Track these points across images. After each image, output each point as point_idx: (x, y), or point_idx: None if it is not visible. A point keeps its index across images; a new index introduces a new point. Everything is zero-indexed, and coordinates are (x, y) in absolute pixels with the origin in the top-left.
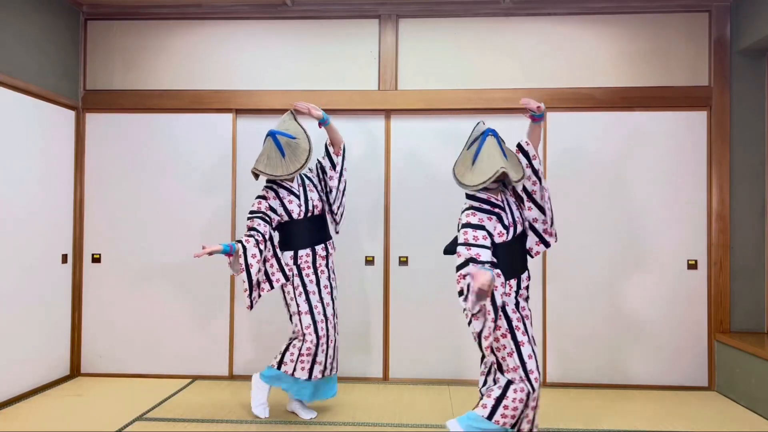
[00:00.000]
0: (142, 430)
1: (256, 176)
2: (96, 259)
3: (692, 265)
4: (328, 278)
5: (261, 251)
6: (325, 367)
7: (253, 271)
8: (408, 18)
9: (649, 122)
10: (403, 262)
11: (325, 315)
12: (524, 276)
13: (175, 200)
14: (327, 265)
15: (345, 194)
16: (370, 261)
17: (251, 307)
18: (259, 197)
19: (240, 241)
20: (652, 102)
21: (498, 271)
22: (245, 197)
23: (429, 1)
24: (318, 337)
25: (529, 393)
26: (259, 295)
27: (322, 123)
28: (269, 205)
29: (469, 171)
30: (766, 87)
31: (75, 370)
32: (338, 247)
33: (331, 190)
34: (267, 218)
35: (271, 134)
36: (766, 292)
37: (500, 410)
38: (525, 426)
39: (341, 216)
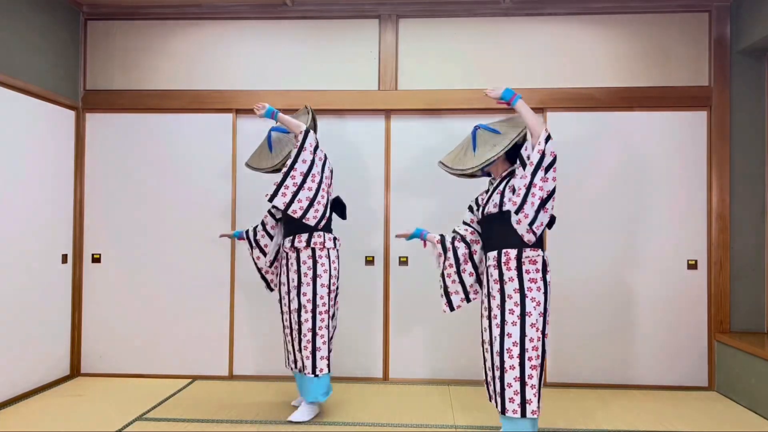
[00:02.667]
0: (142, 430)
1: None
2: (96, 259)
3: (692, 265)
4: (297, 272)
5: (271, 236)
6: (295, 360)
7: (257, 254)
8: (408, 18)
9: (649, 122)
10: (403, 262)
11: (289, 308)
12: (491, 254)
13: (175, 200)
14: (297, 259)
15: (305, 188)
16: (370, 261)
17: (269, 288)
18: None
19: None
20: (652, 102)
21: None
22: (245, 198)
23: (429, 1)
24: (284, 328)
25: (484, 361)
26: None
27: (272, 118)
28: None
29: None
30: (766, 87)
31: (75, 370)
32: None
33: None
34: (271, 211)
35: (270, 130)
36: (766, 292)
37: None
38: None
39: (311, 212)
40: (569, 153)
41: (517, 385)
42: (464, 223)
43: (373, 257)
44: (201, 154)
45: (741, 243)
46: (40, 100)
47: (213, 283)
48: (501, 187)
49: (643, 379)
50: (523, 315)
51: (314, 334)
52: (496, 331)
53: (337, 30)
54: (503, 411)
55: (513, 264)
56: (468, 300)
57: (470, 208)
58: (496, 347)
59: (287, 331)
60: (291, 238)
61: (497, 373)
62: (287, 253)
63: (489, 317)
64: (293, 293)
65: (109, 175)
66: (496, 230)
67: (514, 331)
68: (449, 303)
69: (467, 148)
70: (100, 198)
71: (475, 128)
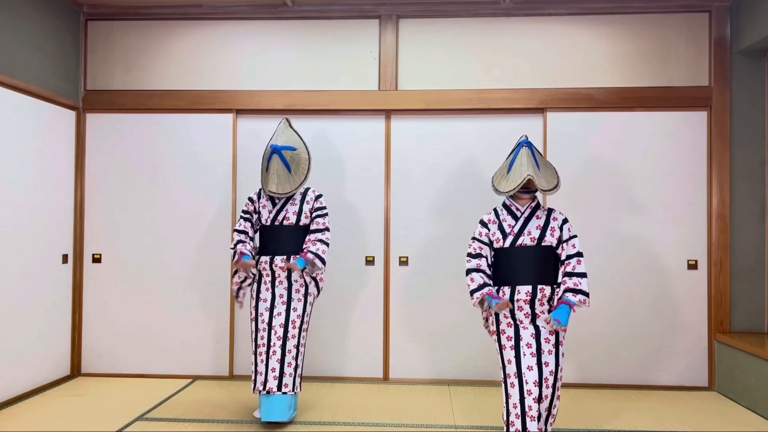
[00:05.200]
0: (142, 430)
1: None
2: (96, 259)
3: (692, 265)
4: (287, 288)
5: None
6: (266, 380)
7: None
8: (408, 18)
9: (649, 122)
10: (403, 262)
11: (269, 325)
12: (522, 288)
13: (175, 200)
14: (288, 277)
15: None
16: (370, 261)
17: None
18: (249, 198)
19: (239, 250)
20: (652, 102)
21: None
22: (245, 198)
23: (429, 1)
24: (256, 346)
25: (507, 397)
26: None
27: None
28: (254, 207)
29: (504, 179)
30: (766, 87)
31: (75, 370)
32: (339, 247)
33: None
34: (251, 219)
35: (277, 151)
36: (766, 292)
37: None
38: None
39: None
40: (569, 153)
41: (545, 415)
42: (479, 270)
43: (373, 257)
44: (201, 154)
45: (741, 243)
46: (40, 100)
47: (213, 282)
48: (540, 224)
49: (643, 379)
50: (557, 345)
51: (297, 352)
52: (532, 360)
53: (337, 30)
54: None
55: (546, 299)
56: None
57: (478, 255)
58: (533, 377)
59: (262, 349)
60: (285, 257)
61: (535, 405)
62: (273, 270)
63: (517, 347)
64: (280, 308)
65: (110, 175)
66: (528, 263)
67: (550, 360)
68: None
69: (527, 163)
70: (100, 198)
71: (529, 144)
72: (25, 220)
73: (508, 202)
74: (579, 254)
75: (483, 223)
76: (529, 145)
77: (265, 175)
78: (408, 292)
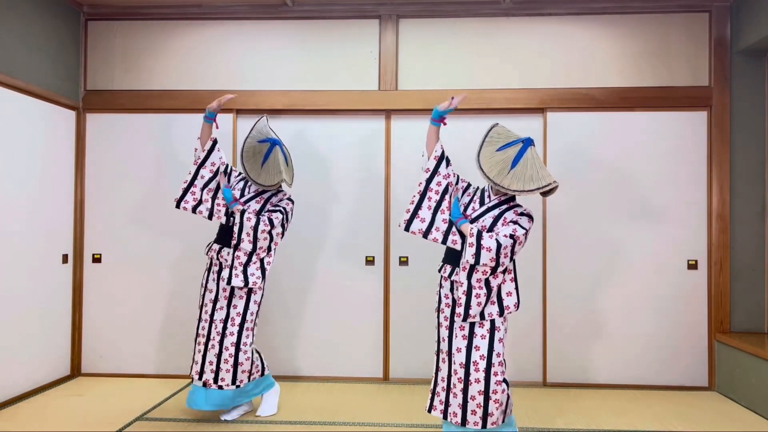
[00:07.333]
0: (142, 430)
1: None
2: (96, 259)
3: (692, 265)
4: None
5: (216, 164)
6: (201, 371)
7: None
8: (408, 18)
9: (649, 122)
10: (404, 262)
11: (211, 317)
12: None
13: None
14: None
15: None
16: (370, 261)
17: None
18: (238, 173)
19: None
20: (652, 102)
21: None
22: None
23: (429, 1)
24: (197, 335)
25: (438, 369)
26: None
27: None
28: (235, 175)
29: (507, 173)
30: (766, 87)
31: (75, 370)
32: (338, 247)
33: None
34: (225, 167)
35: (279, 144)
36: (766, 292)
37: None
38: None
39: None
40: (569, 153)
41: (480, 399)
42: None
43: (373, 257)
44: None
45: (741, 243)
46: (40, 100)
47: None
48: (496, 213)
49: (643, 379)
50: (492, 330)
51: (237, 350)
52: (463, 343)
53: (337, 30)
54: (464, 422)
55: (483, 282)
56: (426, 234)
57: (463, 186)
58: (460, 359)
59: (201, 339)
60: (231, 251)
61: (459, 385)
62: (221, 262)
63: (451, 327)
64: (222, 303)
65: (109, 175)
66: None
67: (482, 344)
68: (409, 222)
69: (536, 165)
70: (100, 198)
71: (532, 141)
72: (25, 220)
73: (487, 190)
74: (512, 236)
75: (469, 186)
76: (534, 145)
77: (258, 168)
78: (408, 292)
